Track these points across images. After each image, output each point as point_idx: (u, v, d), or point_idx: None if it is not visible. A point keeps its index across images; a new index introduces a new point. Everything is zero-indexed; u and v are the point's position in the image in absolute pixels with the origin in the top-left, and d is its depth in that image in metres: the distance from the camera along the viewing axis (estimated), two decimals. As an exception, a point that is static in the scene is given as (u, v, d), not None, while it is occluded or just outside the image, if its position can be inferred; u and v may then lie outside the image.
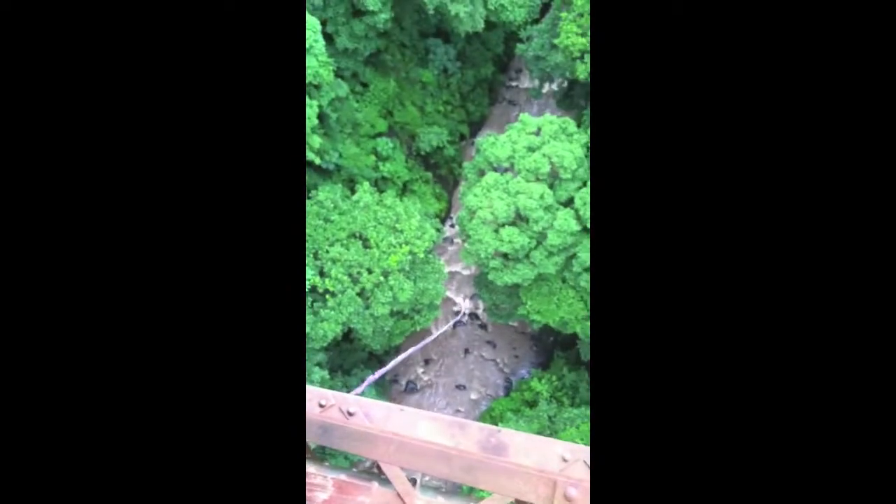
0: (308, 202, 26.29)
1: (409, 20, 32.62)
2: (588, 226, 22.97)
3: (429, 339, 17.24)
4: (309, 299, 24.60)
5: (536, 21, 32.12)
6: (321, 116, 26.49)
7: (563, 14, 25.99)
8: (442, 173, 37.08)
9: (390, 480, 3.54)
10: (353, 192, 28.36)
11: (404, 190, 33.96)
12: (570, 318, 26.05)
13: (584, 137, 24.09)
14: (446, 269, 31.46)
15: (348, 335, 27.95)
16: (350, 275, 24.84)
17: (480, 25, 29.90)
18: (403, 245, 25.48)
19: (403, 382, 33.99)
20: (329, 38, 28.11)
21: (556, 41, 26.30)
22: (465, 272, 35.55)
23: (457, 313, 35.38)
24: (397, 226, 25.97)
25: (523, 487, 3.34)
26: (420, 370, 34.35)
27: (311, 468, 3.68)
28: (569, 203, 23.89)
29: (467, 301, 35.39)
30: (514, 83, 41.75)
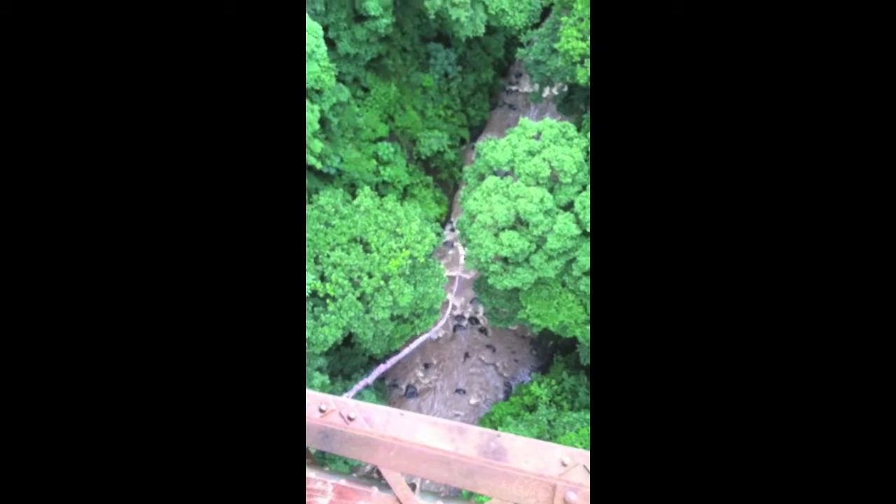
0: (309, 206, 26.30)
1: (410, 25, 32.71)
2: (588, 230, 22.98)
3: (423, 338, 17.10)
4: (309, 304, 24.59)
5: (537, 26, 32.21)
6: (322, 121, 26.54)
7: (564, 18, 26.05)
8: (442, 177, 37.13)
9: (390, 485, 3.53)
10: (353, 196, 28.38)
11: (405, 194, 34.00)
12: (569, 322, 26.03)
13: (584, 141, 24.13)
14: (446, 273, 31.46)
15: (349, 340, 27.94)
16: (351, 279, 24.84)
17: (481, 30, 29.99)
18: (404, 249, 25.49)
19: (403, 387, 33.96)
20: (331, 44, 28.20)
21: (556, 45, 26.36)
22: (466, 276, 35.55)
23: (458, 317, 35.36)
24: (398, 230, 25.98)
25: (523, 492, 3.34)
26: (420, 374, 34.32)
27: (311, 473, 3.67)
28: (569, 207, 23.91)
29: (461, 299, 35.39)
30: (514, 87, 41.84)
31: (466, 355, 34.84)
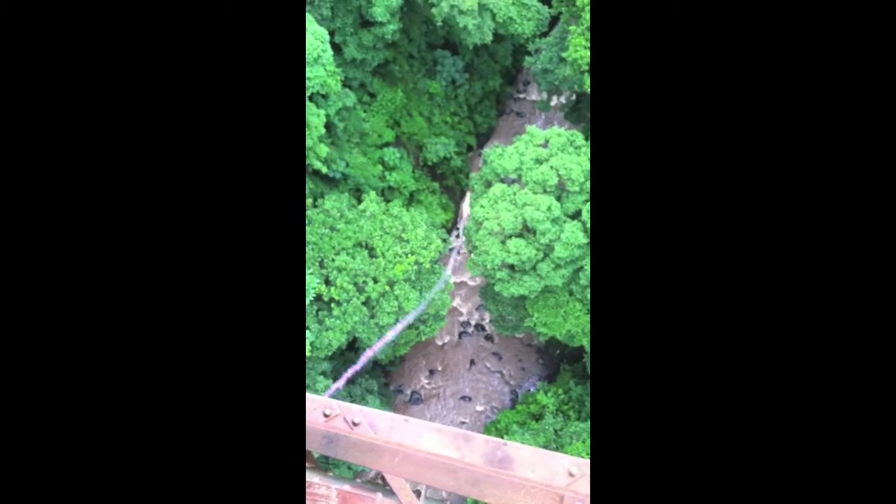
0: (314, 211, 26.35)
1: (417, 31, 32.82)
2: (595, 238, 22.87)
3: (409, 318, 16.67)
4: (314, 308, 24.58)
5: (545, 34, 32.26)
6: (328, 126, 26.61)
7: (572, 28, 26.09)
8: (448, 184, 37.16)
9: (395, 492, 3.49)
10: (359, 201, 28.42)
11: (411, 200, 34.02)
12: (576, 330, 25.94)
13: (592, 150, 24.05)
14: (452, 280, 31.42)
15: (353, 344, 27.91)
16: (355, 284, 24.83)
17: (489, 38, 30.06)
18: (409, 255, 25.47)
19: (408, 393, 33.88)
20: (337, 49, 28.31)
21: (564, 54, 26.39)
22: (472, 283, 35.51)
23: (463, 324, 35.31)
24: (403, 235, 25.98)
25: (530, 502, 3.29)
26: (425, 381, 34.25)
27: (315, 478, 3.64)
28: (576, 215, 23.86)
29: (468, 305, 35.35)
30: (521, 95, 41.89)
31: (472, 362, 34.75)
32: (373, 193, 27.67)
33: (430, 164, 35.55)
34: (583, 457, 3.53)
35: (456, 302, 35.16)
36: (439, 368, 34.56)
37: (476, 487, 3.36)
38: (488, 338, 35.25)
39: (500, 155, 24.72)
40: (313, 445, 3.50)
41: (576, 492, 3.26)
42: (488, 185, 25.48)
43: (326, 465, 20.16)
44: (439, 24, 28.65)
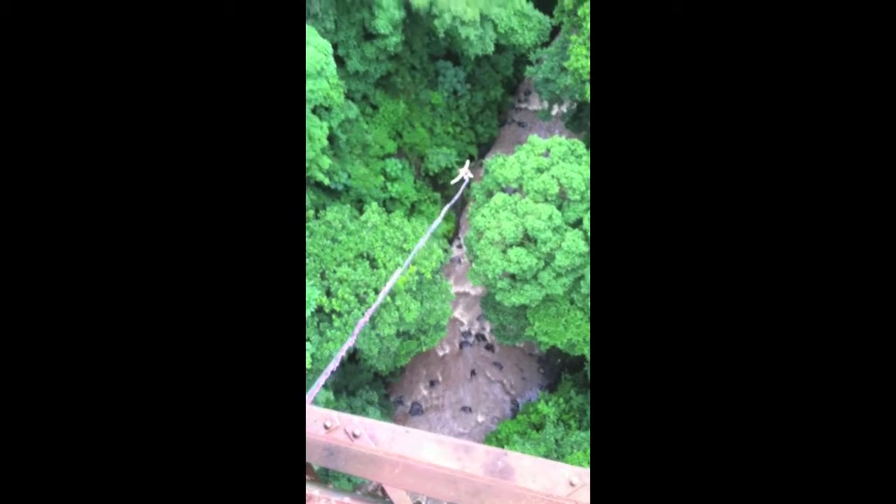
0: (316, 222, 26.39)
1: (419, 43, 32.99)
2: (596, 248, 22.88)
3: (390, 283, 16.27)
4: (315, 320, 24.57)
5: (546, 44, 32.42)
6: (331, 137, 26.71)
7: (573, 37, 26.22)
8: (450, 194, 37.21)
9: (395, 504, 3.48)
10: (361, 212, 28.47)
11: (412, 210, 34.08)
12: (577, 339, 25.89)
13: (593, 159, 24.11)
14: (454, 290, 31.40)
15: (354, 356, 27.87)
16: (357, 295, 24.82)
17: (490, 48, 30.21)
18: (411, 265, 25.48)
19: (408, 404, 33.77)
20: (340, 61, 28.45)
21: (565, 64, 26.50)
22: (473, 292, 35.48)
23: (464, 333, 35.24)
24: (405, 246, 26.00)
25: (531, 513, 3.28)
26: (425, 392, 34.15)
27: (314, 491, 3.62)
28: (577, 224, 23.88)
29: (468, 315, 35.29)
30: (523, 105, 42.02)
31: (473, 373, 34.65)
32: (374, 204, 27.73)
33: (431, 174, 35.64)
34: (584, 466, 3.52)
35: (457, 312, 35.11)
36: (440, 379, 34.46)
37: (477, 498, 3.35)
38: (489, 347, 35.16)
39: (502, 164, 24.78)
40: (314, 458, 3.49)
41: (577, 501, 3.25)
42: (490, 194, 25.52)
43: (326, 478, 20.07)
44: (441, 35, 28.80)
